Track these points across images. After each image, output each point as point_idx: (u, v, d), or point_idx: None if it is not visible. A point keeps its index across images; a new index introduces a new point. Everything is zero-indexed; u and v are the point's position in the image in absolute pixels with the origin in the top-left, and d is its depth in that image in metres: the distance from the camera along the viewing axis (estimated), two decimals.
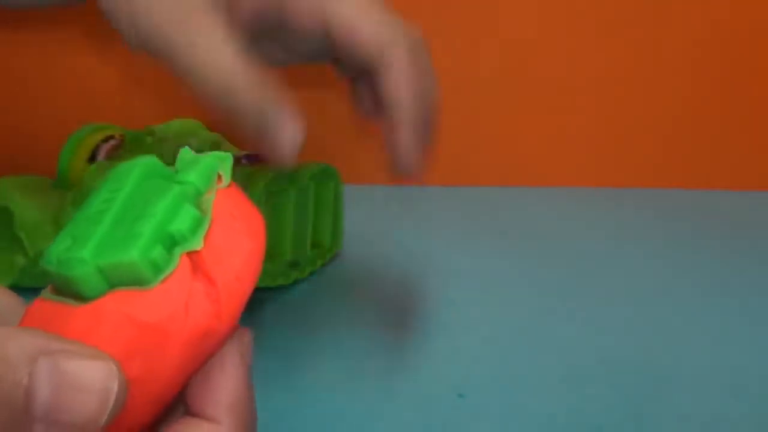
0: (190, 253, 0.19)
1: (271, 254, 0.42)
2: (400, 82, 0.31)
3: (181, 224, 0.19)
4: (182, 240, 0.19)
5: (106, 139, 0.48)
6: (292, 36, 0.30)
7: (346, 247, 0.50)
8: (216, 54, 0.24)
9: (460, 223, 0.57)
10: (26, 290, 0.42)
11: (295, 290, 0.44)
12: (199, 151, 0.46)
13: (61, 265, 0.19)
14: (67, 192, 0.45)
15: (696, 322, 0.41)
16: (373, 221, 0.56)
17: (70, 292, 0.19)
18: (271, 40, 0.31)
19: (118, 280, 0.19)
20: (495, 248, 0.52)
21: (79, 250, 0.19)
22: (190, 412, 0.20)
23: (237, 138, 0.52)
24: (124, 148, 0.45)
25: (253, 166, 0.42)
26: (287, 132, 0.25)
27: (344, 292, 0.44)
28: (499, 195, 0.65)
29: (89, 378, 0.16)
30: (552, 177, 0.68)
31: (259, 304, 0.42)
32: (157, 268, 0.19)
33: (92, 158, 0.48)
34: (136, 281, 0.19)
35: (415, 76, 0.32)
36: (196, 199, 0.20)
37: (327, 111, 0.65)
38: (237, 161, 0.43)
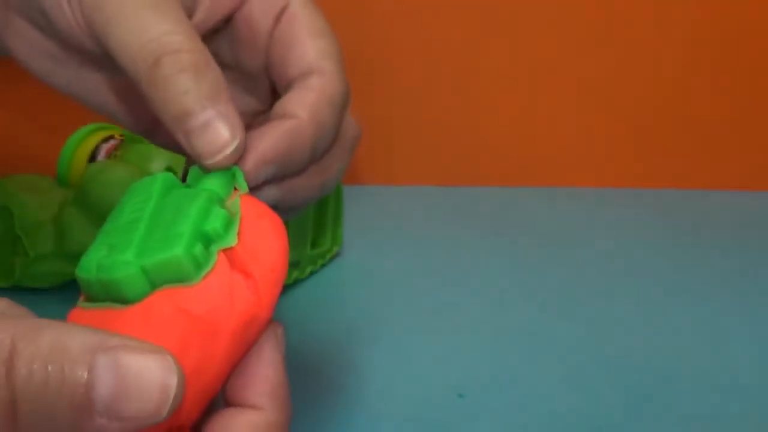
0: (225, 250, 0.20)
1: None
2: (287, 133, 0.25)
3: (214, 223, 0.20)
4: (217, 238, 0.20)
5: (106, 139, 0.48)
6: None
7: (346, 247, 0.50)
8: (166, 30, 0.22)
9: (460, 223, 0.57)
10: (26, 290, 0.42)
11: (295, 290, 0.44)
12: None
13: (103, 270, 0.20)
14: (67, 192, 0.45)
15: (696, 322, 0.41)
16: (373, 221, 0.56)
17: (110, 297, 0.20)
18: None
19: (161, 279, 0.19)
20: (495, 248, 0.52)
21: (122, 254, 0.19)
22: (232, 403, 0.21)
23: None
24: (124, 148, 0.45)
25: None
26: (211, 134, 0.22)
27: (344, 292, 0.44)
28: (499, 195, 0.65)
29: (149, 371, 0.17)
30: (552, 177, 0.68)
31: None
32: (198, 265, 0.19)
33: (92, 158, 0.48)
34: (179, 278, 0.19)
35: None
36: (221, 203, 0.21)
37: None
38: None
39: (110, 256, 0.20)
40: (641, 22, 0.65)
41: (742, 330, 0.40)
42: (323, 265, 0.47)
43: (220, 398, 0.21)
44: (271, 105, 0.27)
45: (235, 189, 0.22)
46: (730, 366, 0.36)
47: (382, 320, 0.41)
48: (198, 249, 0.19)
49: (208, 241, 0.20)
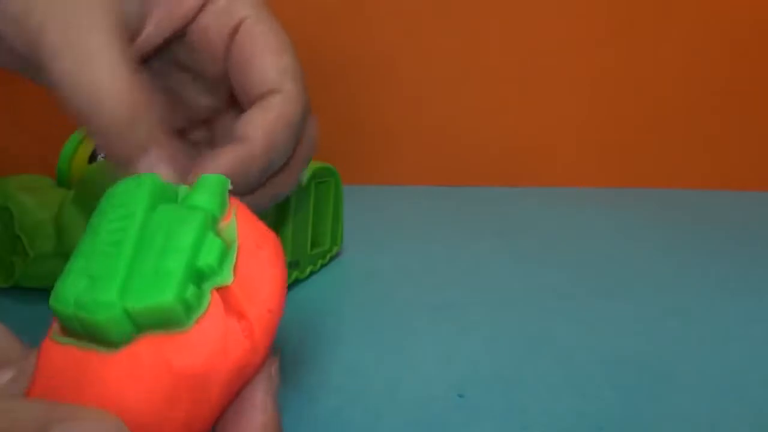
0: (219, 289, 0.18)
1: None
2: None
3: (208, 257, 0.18)
4: (211, 274, 0.18)
5: None
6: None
7: (346, 247, 0.50)
8: (105, 76, 0.22)
9: (460, 223, 0.57)
10: (26, 290, 0.42)
11: (295, 290, 0.44)
12: None
13: (82, 308, 0.18)
14: (67, 192, 0.45)
15: (696, 322, 0.41)
16: (373, 221, 0.56)
17: (89, 335, 0.18)
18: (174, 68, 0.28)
19: (147, 323, 0.18)
20: (495, 248, 0.52)
21: (104, 292, 0.18)
22: None
23: None
24: None
25: None
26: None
27: (344, 292, 0.44)
28: (499, 195, 0.65)
29: None
30: (552, 177, 0.68)
31: None
32: (189, 309, 0.18)
33: (92, 158, 0.48)
34: (168, 324, 0.18)
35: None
36: (216, 226, 0.19)
37: (327, 111, 0.65)
38: None
39: (91, 292, 0.18)
40: (641, 22, 0.65)
41: (742, 330, 0.40)
42: (323, 265, 0.47)
43: None
44: (231, 104, 0.27)
45: (231, 203, 0.20)
46: (730, 366, 0.36)
47: (382, 320, 0.41)
48: (190, 291, 0.18)
49: (201, 278, 0.18)
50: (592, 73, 0.65)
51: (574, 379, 0.35)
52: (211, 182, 0.20)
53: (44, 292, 0.42)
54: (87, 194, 0.40)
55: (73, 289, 0.18)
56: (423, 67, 0.65)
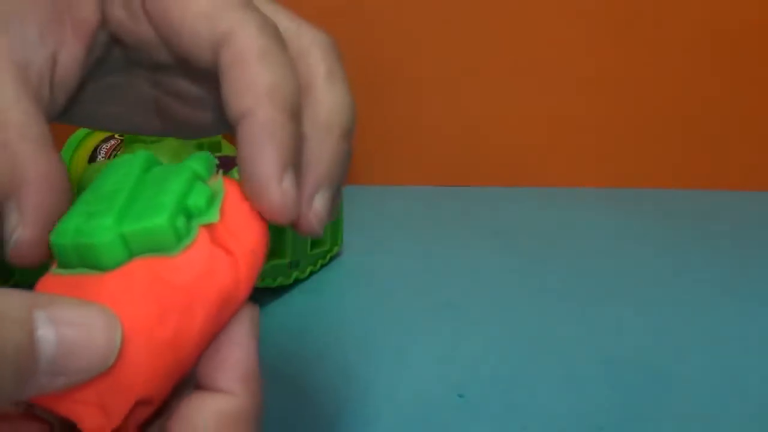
0: (207, 226, 0.20)
1: (271, 254, 0.42)
2: (243, 82, 0.21)
3: (197, 198, 0.20)
4: (199, 213, 0.20)
5: (106, 139, 0.48)
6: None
7: (346, 247, 0.50)
8: None
9: (460, 223, 0.57)
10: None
11: (295, 290, 0.44)
12: (199, 150, 0.46)
13: (81, 234, 0.19)
14: None
15: (696, 322, 0.41)
16: (373, 221, 0.56)
17: (85, 263, 0.19)
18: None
19: (140, 247, 0.19)
20: (495, 248, 0.52)
21: (101, 219, 0.19)
22: (202, 386, 0.20)
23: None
24: (124, 148, 0.45)
25: None
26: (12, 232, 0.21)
27: (344, 292, 0.44)
28: (499, 195, 0.65)
29: (91, 322, 0.17)
30: (552, 177, 0.68)
31: (259, 304, 0.42)
32: (179, 236, 0.19)
33: (92, 158, 0.48)
34: (158, 248, 0.19)
35: (275, 72, 0.21)
36: (204, 181, 0.21)
37: None
38: (236, 162, 0.43)
39: (89, 222, 0.19)
40: (641, 22, 0.65)
41: (741, 330, 0.40)
42: (323, 265, 0.47)
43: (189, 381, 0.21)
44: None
45: (217, 172, 0.22)
46: (730, 366, 0.36)
47: (382, 320, 0.41)
48: (180, 221, 0.19)
49: (189, 215, 0.20)
50: (592, 73, 0.65)
51: (574, 379, 0.35)
52: (197, 155, 0.22)
53: None
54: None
55: (72, 223, 0.20)
56: (423, 67, 0.65)
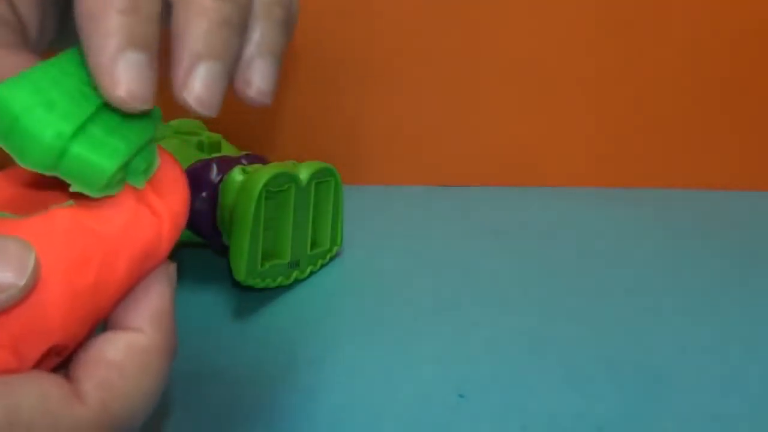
0: (137, 187, 0.21)
1: (271, 254, 0.42)
2: None
3: (140, 163, 0.21)
4: (134, 175, 0.21)
5: None
6: None
7: (346, 247, 0.50)
8: None
9: (460, 223, 0.57)
10: None
11: (295, 290, 0.44)
12: (199, 151, 0.46)
13: (27, 114, 0.19)
14: None
15: (696, 322, 0.41)
16: (373, 221, 0.56)
17: (7, 136, 0.19)
18: None
19: (67, 168, 0.19)
20: (495, 248, 0.52)
21: (59, 122, 0.19)
22: (112, 328, 0.21)
23: (238, 138, 0.52)
24: None
25: (253, 166, 0.42)
26: None
27: (344, 292, 0.44)
28: (499, 195, 0.65)
29: (3, 242, 0.17)
30: (552, 177, 0.68)
31: (259, 304, 0.42)
32: (110, 184, 0.20)
33: None
34: (81, 180, 0.19)
35: None
36: (152, 143, 0.22)
37: (327, 111, 0.65)
38: (237, 161, 0.43)
39: (45, 109, 0.19)
40: (641, 21, 0.65)
41: (742, 330, 0.40)
42: (323, 265, 0.47)
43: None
44: None
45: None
46: (730, 366, 0.36)
47: (382, 320, 0.41)
48: (119, 175, 0.20)
49: (127, 172, 0.20)
50: (591, 73, 0.65)
51: (574, 379, 0.35)
52: (156, 111, 0.23)
53: None
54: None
55: (28, 94, 0.19)
56: (423, 67, 0.65)
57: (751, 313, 0.42)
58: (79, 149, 0.19)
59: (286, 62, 0.65)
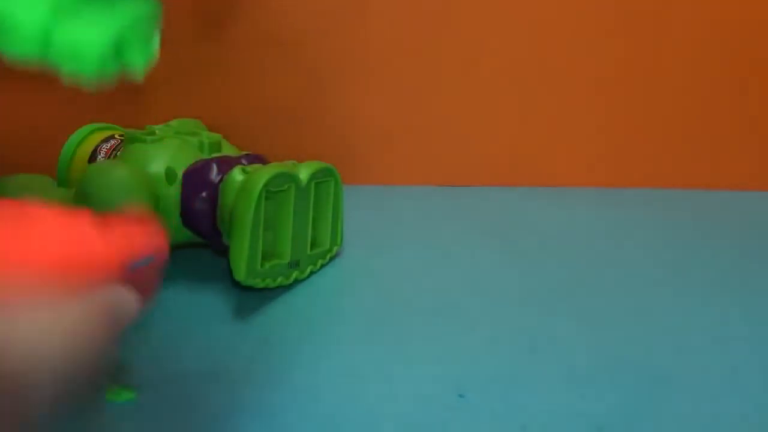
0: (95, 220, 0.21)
1: (271, 254, 0.42)
2: None
3: (136, 42, 0.20)
4: (130, 48, 0.20)
5: (106, 139, 0.48)
6: None
7: (346, 247, 0.50)
8: None
9: (460, 223, 0.57)
10: None
11: (295, 290, 0.44)
12: (199, 151, 0.46)
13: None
14: (67, 192, 0.45)
15: (696, 322, 0.41)
16: (373, 221, 0.56)
17: None
18: None
19: (59, 50, 0.19)
20: (494, 248, 0.52)
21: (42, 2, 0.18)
22: None
23: (238, 138, 0.52)
24: (124, 148, 0.45)
25: (253, 166, 0.42)
26: None
27: (344, 292, 0.44)
28: (499, 195, 0.65)
29: None
30: (552, 177, 0.68)
31: (259, 304, 0.42)
32: (105, 62, 0.19)
33: (92, 158, 0.48)
34: (77, 60, 0.19)
35: None
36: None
37: (327, 111, 0.65)
38: (237, 161, 0.43)
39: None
40: (641, 22, 0.65)
41: (742, 330, 0.40)
42: (323, 265, 0.47)
43: None
44: None
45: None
46: (730, 366, 0.36)
47: (382, 320, 0.41)
48: (114, 57, 0.19)
49: (122, 48, 0.20)
50: (592, 73, 0.65)
51: (574, 379, 0.35)
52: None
53: None
54: (87, 194, 0.40)
55: None
56: (423, 67, 0.65)
57: (751, 312, 0.42)
58: (65, 28, 0.18)
59: (286, 62, 0.65)
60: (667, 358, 0.37)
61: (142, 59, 0.21)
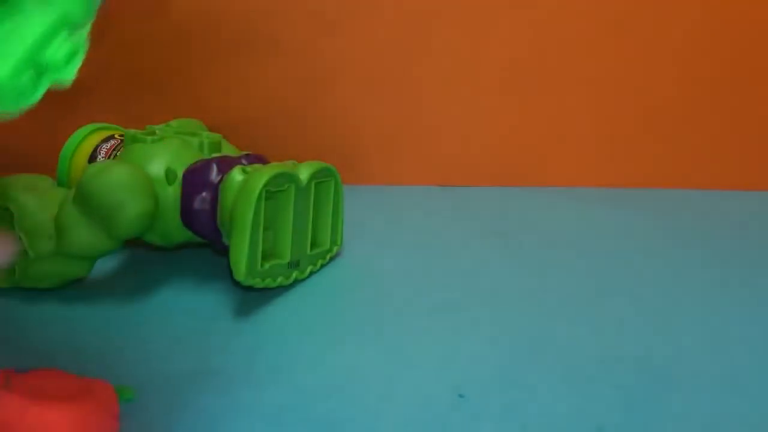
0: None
1: (271, 254, 0.42)
2: None
3: (57, 50, 0.18)
4: (55, 68, 0.18)
5: (106, 139, 0.48)
6: None
7: (346, 247, 0.50)
8: None
9: (460, 223, 0.57)
10: (26, 290, 0.42)
11: (295, 290, 0.44)
12: (199, 151, 0.46)
13: None
14: (67, 192, 0.45)
15: (696, 322, 0.41)
16: (373, 221, 0.56)
17: None
18: None
19: None
20: (495, 248, 0.52)
21: None
22: None
23: (238, 138, 0.52)
24: (124, 148, 0.45)
25: (253, 166, 0.42)
26: None
27: (344, 292, 0.44)
28: (499, 195, 0.65)
29: None
30: (552, 177, 0.68)
31: (259, 304, 0.42)
32: (22, 92, 0.17)
33: (92, 158, 0.48)
34: None
35: None
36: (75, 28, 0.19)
37: (327, 111, 0.65)
38: (237, 161, 0.43)
39: None
40: (641, 22, 0.65)
41: (742, 330, 0.40)
42: (323, 265, 0.47)
43: None
44: None
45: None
46: (730, 366, 0.36)
47: (382, 320, 0.41)
48: (27, 76, 0.17)
49: (42, 70, 0.18)
50: (591, 73, 0.65)
51: (574, 379, 0.35)
52: None
53: (44, 292, 0.42)
54: (87, 194, 0.40)
55: None
56: (423, 67, 0.65)
57: (751, 312, 0.42)
58: None
59: (286, 62, 0.65)
60: (667, 357, 0.37)
61: (67, 72, 0.18)
